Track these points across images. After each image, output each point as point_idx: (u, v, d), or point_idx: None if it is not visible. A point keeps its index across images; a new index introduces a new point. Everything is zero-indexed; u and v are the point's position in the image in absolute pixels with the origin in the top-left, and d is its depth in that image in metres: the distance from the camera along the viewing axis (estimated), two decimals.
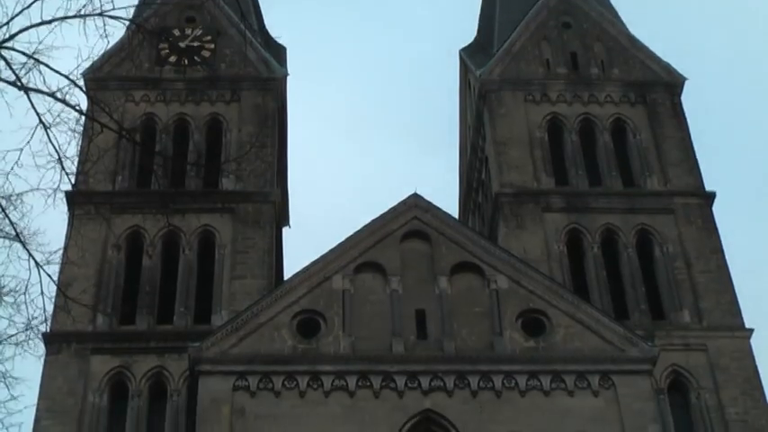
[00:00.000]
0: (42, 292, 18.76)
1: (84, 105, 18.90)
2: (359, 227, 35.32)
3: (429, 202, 35.86)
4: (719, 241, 40.50)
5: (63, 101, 17.83)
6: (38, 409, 35.01)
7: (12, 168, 18.05)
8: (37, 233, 18.88)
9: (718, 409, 36.03)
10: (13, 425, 20.27)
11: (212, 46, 45.51)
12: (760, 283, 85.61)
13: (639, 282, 39.33)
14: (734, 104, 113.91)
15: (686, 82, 45.45)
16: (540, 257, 38.92)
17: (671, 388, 36.57)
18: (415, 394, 31.86)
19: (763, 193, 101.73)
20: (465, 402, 31.81)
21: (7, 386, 18.66)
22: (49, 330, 34.22)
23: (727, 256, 40.10)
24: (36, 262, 18.68)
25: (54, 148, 17.84)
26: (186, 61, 45.59)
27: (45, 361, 35.98)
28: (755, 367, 37.19)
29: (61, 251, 19.93)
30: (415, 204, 35.70)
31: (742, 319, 38.44)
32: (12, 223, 18.38)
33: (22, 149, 18.08)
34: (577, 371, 32.30)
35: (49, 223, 19.71)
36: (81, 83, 19.19)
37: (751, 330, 38.10)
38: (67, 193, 34.66)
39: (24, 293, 18.83)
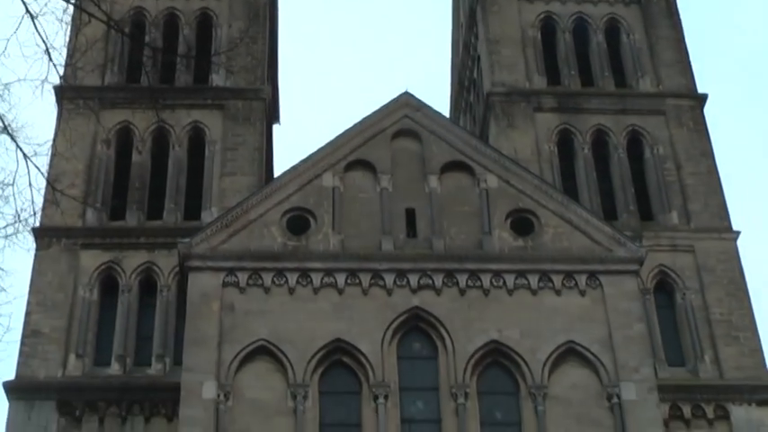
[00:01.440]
0: (30, 184, 18.77)
1: None
2: (350, 125, 35.32)
3: (420, 101, 35.78)
4: (710, 144, 40.48)
5: None
6: (28, 303, 35.22)
7: None
8: (25, 126, 18.82)
9: (702, 309, 36.33)
10: (3, 315, 20.33)
11: None
12: (749, 186, 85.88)
13: (629, 183, 39.36)
14: (728, 5, 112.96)
15: None
16: (530, 157, 38.89)
17: (657, 288, 36.83)
18: (403, 292, 32.12)
19: (755, 97, 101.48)
20: (453, 300, 32.10)
21: None
22: (38, 225, 34.72)
23: (717, 159, 40.17)
24: (24, 153, 18.67)
25: (41, 38, 17.73)
26: None
27: (35, 255, 36.17)
28: (741, 269, 37.46)
29: (50, 144, 19.75)
30: (407, 103, 35.63)
31: (729, 221, 38.60)
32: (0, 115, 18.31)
33: (8, 39, 17.98)
34: (565, 270, 32.59)
35: (38, 117, 19.63)
36: None
37: (738, 233, 38.30)
38: (56, 88, 34.54)
39: (12, 185, 18.82)
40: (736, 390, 34.80)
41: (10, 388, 33.65)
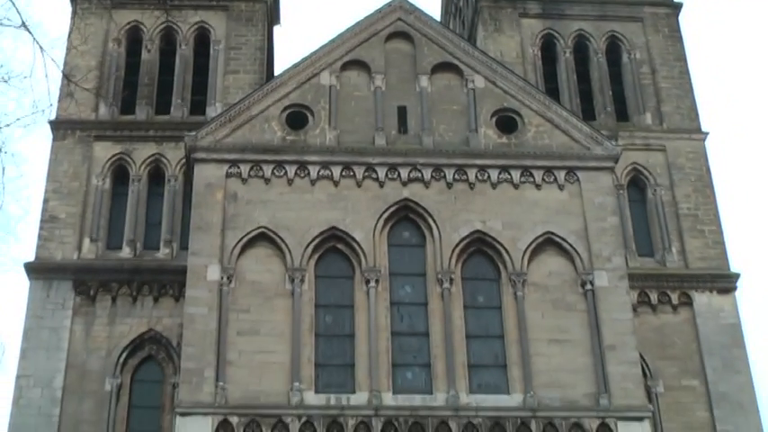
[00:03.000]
0: (46, 76, 18.47)
1: None
2: (346, 27, 34.79)
3: (413, 5, 35.30)
4: (683, 50, 40.14)
5: None
6: (45, 191, 35.24)
7: None
8: (41, 23, 18.44)
9: (671, 204, 36.40)
10: (23, 199, 20.26)
11: None
12: (719, 90, 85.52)
13: (607, 85, 39.09)
14: None
15: None
16: (515, 60, 38.56)
17: (630, 184, 36.86)
18: (394, 184, 32.00)
19: (729, 5, 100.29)
20: (441, 193, 31.99)
21: (16, 164, 18.47)
22: (54, 118, 34.62)
23: (689, 64, 39.83)
24: (40, 46, 18.30)
25: None
26: None
27: (51, 146, 36.09)
28: (708, 167, 37.43)
29: (65, 38, 19.41)
30: (400, 6, 35.13)
31: (699, 122, 38.45)
32: (18, 11, 17.93)
33: None
34: (545, 166, 32.45)
35: (53, 16, 19.24)
36: None
37: (706, 133, 38.17)
38: None
39: (30, 77, 18.51)
40: (700, 278, 35.03)
41: (30, 268, 33.79)
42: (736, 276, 35.35)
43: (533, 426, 28.78)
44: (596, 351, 29.99)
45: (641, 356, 31.17)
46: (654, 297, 34.46)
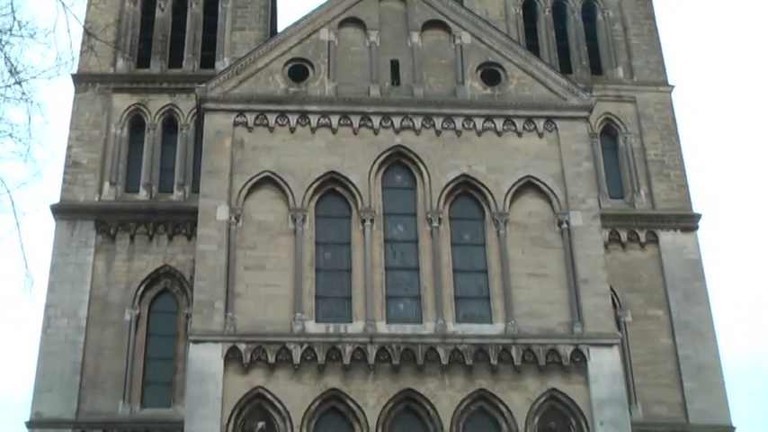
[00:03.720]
0: (69, 30, 17.93)
1: None
2: None
3: None
4: (653, 8, 39.47)
5: None
6: (69, 139, 34.85)
7: None
8: None
9: (640, 150, 36.02)
10: (49, 143, 19.86)
11: None
12: (686, 46, 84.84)
13: (582, 42, 38.46)
14: None
15: None
16: (499, 18, 37.94)
17: (603, 132, 36.44)
18: (388, 132, 31.54)
19: None
20: (430, 140, 31.55)
21: (42, 113, 17.99)
22: (76, 72, 34.08)
23: (658, 22, 39.20)
24: (63, 3, 17.72)
25: None
26: None
27: (74, 98, 35.64)
28: (674, 117, 37.00)
29: None
30: None
31: (666, 76, 37.93)
32: None
33: None
34: (526, 115, 32.01)
35: None
36: None
37: (672, 86, 37.65)
38: None
39: (53, 32, 17.90)
40: (665, 219, 34.77)
41: (55, 210, 33.48)
42: (698, 217, 35.05)
43: (513, 352, 28.61)
44: (571, 284, 29.79)
45: (611, 289, 30.98)
46: (623, 235, 34.20)
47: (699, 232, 34.85)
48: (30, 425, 30.28)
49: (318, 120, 31.49)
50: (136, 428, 30.12)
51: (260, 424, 27.43)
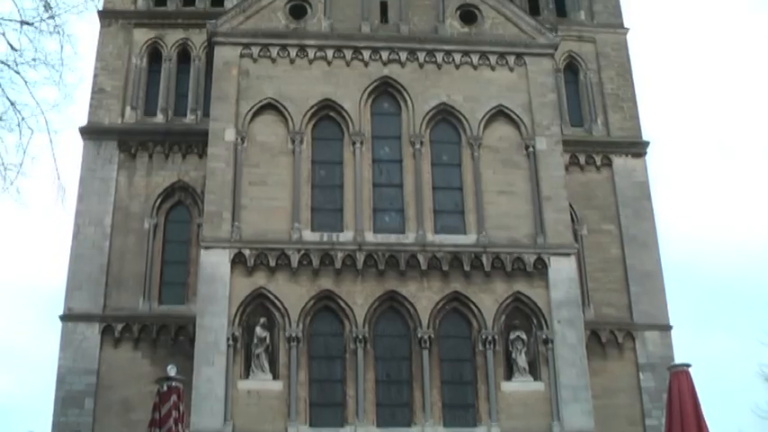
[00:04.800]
0: None
1: None
2: None
3: None
4: None
5: None
6: (95, 68, 33.72)
7: None
8: None
9: (599, 85, 34.94)
10: (78, 70, 18.85)
11: None
12: None
13: None
14: None
15: None
16: None
17: (566, 68, 35.20)
18: (376, 64, 30.50)
19: None
20: (414, 72, 30.53)
21: (71, 44, 16.97)
22: (102, 8, 32.83)
23: None
24: None
25: None
26: None
27: (99, 32, 34.27)
28: (628, 56, 35.82)
29: None
30: None
31: (622, 19, 36.61)
32: None
33: None
34: (499, 52, 30.94)
35: None
36: None
37: (628, 29, 36.40)
38: None
39: None
40: (618, 145, 33.94)
41: (83, 131, 32.45)
42: (647, 144, 34.22)
43: (484, 259, 28.09)
44: (535, 201, 29.15)
45: (570, 206, 30.33)
46: (582, 159, 33.34)
47: (647, 157, 34.09)
48: (63, 318, 29.80)
49: (315, 53, 30.35)
50: (154, 322, 29.58)
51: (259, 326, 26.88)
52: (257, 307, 27.32)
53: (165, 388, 8.55)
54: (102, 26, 34.27)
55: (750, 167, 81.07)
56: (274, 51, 30.26)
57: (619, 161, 33.71)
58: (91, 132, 32.40)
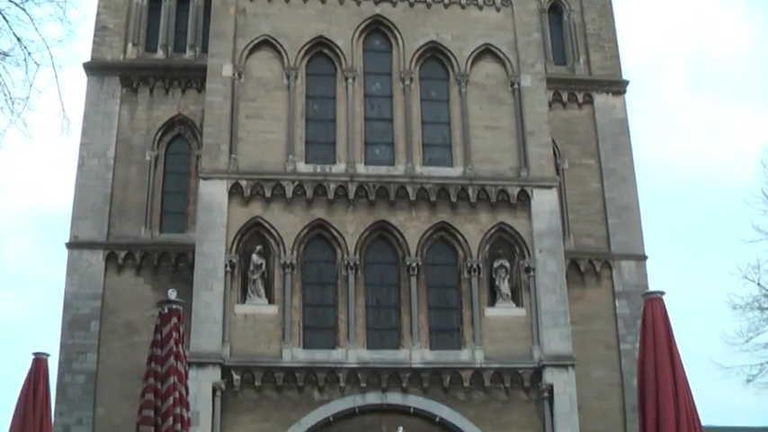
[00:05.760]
0: None
1: None
2: None
3: None
4: None
5: None
6: (98, 6, 32.34)
7: None
8: None
9: (581, 25, 33.65)
10: (81, 7, 17.86)
11: None
12: None
13: None
14: None
15: None
16: None
17: (550, 9, 33.76)
18: (368, 4, 29.28)
19: None
20: (404, 11, 29.33)
21: None
22: None
23: None
24: None
25: None
26: None
27: None
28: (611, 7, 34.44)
29: None
30: None
31: None
32: None
33: None
34: None
35: None
36: None
37: None
38: None
39: None
40: (599, 83, 32.84)
41: (87, 67, 31.27)
42: (626, 83, 33.13)
43: (470, 191, 27.34)
44: (519, 136, 28.26)
45: (553, 141, 29.44)
46: (564, 96, 32.26)
47: (626, 95, 33.02)
48: (69, 245, 29.07)
49: None
50: (155, 249, 28.83)
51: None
52: (253, 235, 26.59)
53: (166, 310, 8.17)
54: None
55: (724, 103, 79.95)
56: None
57: (600, 99, 32.65)
58: (94, 68, 31.25)
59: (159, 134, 30.44)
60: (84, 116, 30.57)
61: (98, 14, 32.11)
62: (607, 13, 34.25)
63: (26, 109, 15.09)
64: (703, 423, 9.56)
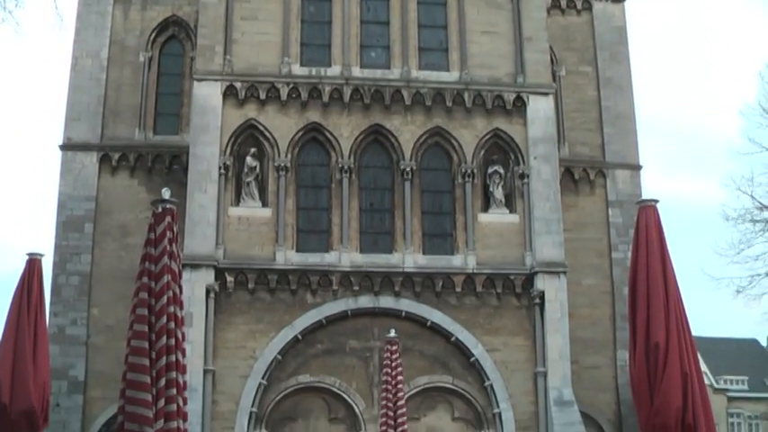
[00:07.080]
0: None
1: None
2: None
3: None
4: None
5: None
6: None
7: None
8: None
9: None
10: None
11: None
12: None
13: None
14: None
15: None
16: None
17: None
18: None
19: None
20: None
21: None
22: None
23: None
24: None
25: None
26: None
27: None
28: None
29: None
30: None
31: None
32: None
33: None
34: None
35: None
36: None
37: None
38: None
39: None
40: None
41: None
42: None
43: (466, 96, 26.45)
44: (517, 41, 27.19)
45: (550, 47, 28.38)
46: (563, 2, 30.96)
47: (626, 3, 31.72)
48: (63, 147, 28.25)
49: None
50: (149, 151, 28.06)
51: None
52: (248, 137, 25.83)
53: (160, 209, 7.59)
54: None
55: (721, 21, 78.05)
56: None
57: (599, 5, 31.42)
58: None
59: (153, 35, 29.24)
60: (78, 16, 29.31)
61: None
62: None
63: (18, 7, 14.71)
64: (693, 334, 9.13)
